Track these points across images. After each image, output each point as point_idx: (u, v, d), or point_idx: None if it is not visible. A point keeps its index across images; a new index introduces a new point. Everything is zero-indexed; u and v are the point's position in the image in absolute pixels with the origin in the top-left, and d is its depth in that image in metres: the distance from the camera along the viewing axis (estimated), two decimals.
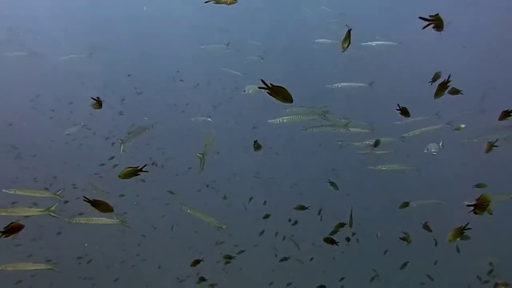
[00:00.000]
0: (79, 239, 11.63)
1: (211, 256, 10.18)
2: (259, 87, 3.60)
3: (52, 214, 6.13)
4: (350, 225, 7.23)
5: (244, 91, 8.97)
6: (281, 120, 7.45)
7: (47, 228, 10.71)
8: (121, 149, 7.69)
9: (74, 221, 6.82)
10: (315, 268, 11.94)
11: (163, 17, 19.43)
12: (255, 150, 6.16)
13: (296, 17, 19.48)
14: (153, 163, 12.92)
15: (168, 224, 12.79)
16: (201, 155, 6.21)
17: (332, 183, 8.71)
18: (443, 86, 5.55)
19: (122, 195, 10.78)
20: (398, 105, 5.81)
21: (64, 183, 10.57)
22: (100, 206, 4.68)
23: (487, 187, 7.83)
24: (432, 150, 8.81)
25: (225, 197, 12.69)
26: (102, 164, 11.85)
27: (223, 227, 7.87)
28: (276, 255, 11.40)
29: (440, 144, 8.87)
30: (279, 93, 3.77)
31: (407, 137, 9.32)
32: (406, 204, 8.37)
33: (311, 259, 11.51)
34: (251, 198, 12.25)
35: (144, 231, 12.57)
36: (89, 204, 4.55)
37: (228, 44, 14.82)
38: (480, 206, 4.60)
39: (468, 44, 15.62)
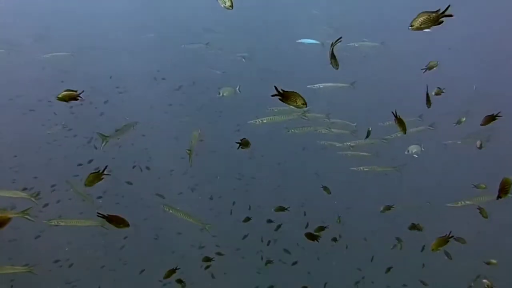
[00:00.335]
0: (60, 242, 11.59)
1: (195, 260, 10.20)
2: (272, 95, 3.55)
3: (27, 217, 6.09)
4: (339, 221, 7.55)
5: (219, 93, 9.00)
6: (260, 121, 7.46)
7: (27, 231, 10.64)
8: (103, 145, 7.74)
9: (53, 223, 6.79)
10: (300, 270, 12.03)
11: (151, 16, 19.46)
12: (243, 148, 6.04)
13: (286, 18, 19.65)
14: (134, 166, 12.94)
15: (151, 227, 12.78)
16: (189, 151, 6.38)
17: (325, 188, 8.74)
18: (428, 96, 5.70)
19: (99, 197, 10.72)
20: (395, 112, 5.42)
21: (44, 185, 10.52)
22: (116, 221, 4.53)
23: (474, 188, 7.96)
24: (413, 152, 8.94)
25: (211, 198, 12.71)
26: (80, 164, 11.78)
27: (207, 227, 7.91)
28: (262, 258, 11.46)
29: (421, 146, 9.00)
30: (291, 98, 3.71)
31: (389, 139, 9.43)
32: (388, 208, 8.28)
33: (294, 263, 11.54)
34: (234, 202, 12.25)
35: (126, 234, 12.54)
36: (103, 219, 4.39)
37: (207, 44, 14.89)
38: (503, 190, 4.81)
39: (454, 46, 15.87)
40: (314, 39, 13.80)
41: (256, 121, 7.49)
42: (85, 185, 4.56)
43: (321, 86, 9.60)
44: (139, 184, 12.58)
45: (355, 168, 9.57)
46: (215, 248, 11.00)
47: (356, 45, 13.07)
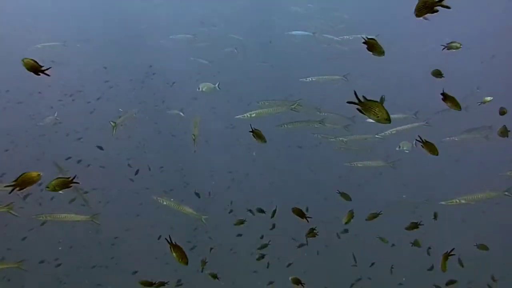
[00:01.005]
0: (51, 240, 11.70)
1: (190, 259, 10.28)
2: (348, 101, 3.27)
3: (11, 212, 6.09)
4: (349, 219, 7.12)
5: (199, 88, 9.02)
6: (249, 115, 7.33)
7: (16, 228, 10.77)
8: (114, 132, 8.00)
9: (41, 218, 6.88)
10: (296, 268, 12.16)
11: (145, 8, 19.54)
12: (256, 139, 5.92)
13: (283, 12, 19.76)
14: (128, 164, 13.06)
15: (143, 224, 12.90)
16: (193, 137, 6.50)
17: (343, 194, 8.29)
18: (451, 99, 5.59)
19: (85, 192, 10.75)
20: (420, 137, 5.01)
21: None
22: (178, 252, 4.64)
23: (472, 185, 8.03)
24: (404, 148, 9.01)
25: (209, 194, 12.73)
26: (68, 158, 11.89)
27: (203, 218, 7.78)
28: (263, 257, 11.55)
29: (413, 143, 9.06)
30: (373, 110, 3.34)
31: (384, 136, 9.44)
32: (375, 215, 7.62)
33: (289, 265, 11.65)
34: (231, 202, 12.27)
35: (117, 233, 12.67)
36: (169, 244, 4.47)
37: (194, 35, 14.98)
38: None
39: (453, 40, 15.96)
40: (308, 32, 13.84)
41: (244, 116, 7.34)
42: (47, 188, 4.15)
43: (313, 79, 9.52)
44: (131, 180, 12.73)
45: (348, 164, 9.55)
46: (209, 248, 11.11)
47: (350, 38, 12.92)
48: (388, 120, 3.39)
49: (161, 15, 19.38)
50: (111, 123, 8.19)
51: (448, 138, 10.78)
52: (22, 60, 4.20)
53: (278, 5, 19.99)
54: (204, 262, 8.56)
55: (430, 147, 4.95)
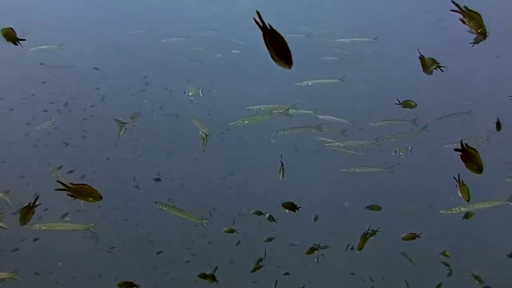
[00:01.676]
0: (47, 250, 11.71)
1: (186, 273, 10.26)
2: (456, 149, 3.30)
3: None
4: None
5: (185, 92, 9.03)
6: (242, 122, 7.30)
7: (8, 240, 10.81)
8: (121, 133, 7.96)
9: (35, 227, 6.91)
10: (297, 277, 12.15)
11: (145, 10, 19.63)
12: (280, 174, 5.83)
13: (283, 15, 19.84)
14: (134, 176, 13.12)
15: (141, 233, 12.92)
16: (204, 136, 6.45)
17: (373, 207, 8.29)
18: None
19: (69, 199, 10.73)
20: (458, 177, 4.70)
21: (27, 190, 10.64)
22: None
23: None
24: (401, 153, 9.03)
25: (214, 209, 12.65)
26: (60, 167, 11.92)
27: (204, 223, 7.66)
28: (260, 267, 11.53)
29: (409, 149, 9.07)
30: (473, 160, 3.35)
31: (382, 143, 9.44)
32: (373, 233, 7.21)
33: (286, 273, 11.65)
34: (239, 214, 12.26)
35: (114, 243, 12.69)
36: None
37: (186, 38, 15.02)
38: None
39: (453, 47, 16.04)
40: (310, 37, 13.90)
41: (237, 122, 7.32)
42: (21, 224, 4.23)
43: (309, 83, 9.55)
44: (128, 188, 12.75)
45: (346, 169, 9.59)
46: (208, 259, 11.11)
47: (347, 41, 12.93)
48: (480, 171, 3.40)
49: (160, 18, 19.44)
50: (119, 124, 8.11)
51: (449, 145, 10.77)
52: (1, 30, 4.37)
53: (278, 8, 20.11)
54: (205, 276, 8.48)
55: (463, 189, 4.72)
